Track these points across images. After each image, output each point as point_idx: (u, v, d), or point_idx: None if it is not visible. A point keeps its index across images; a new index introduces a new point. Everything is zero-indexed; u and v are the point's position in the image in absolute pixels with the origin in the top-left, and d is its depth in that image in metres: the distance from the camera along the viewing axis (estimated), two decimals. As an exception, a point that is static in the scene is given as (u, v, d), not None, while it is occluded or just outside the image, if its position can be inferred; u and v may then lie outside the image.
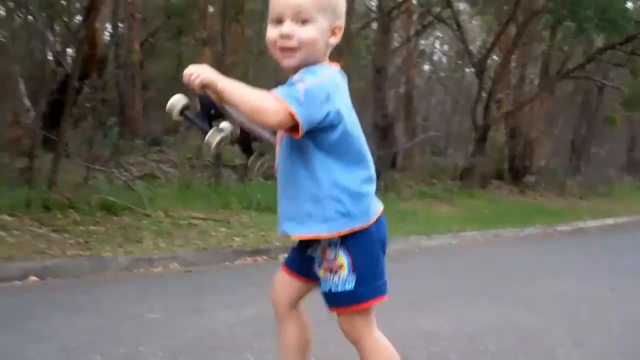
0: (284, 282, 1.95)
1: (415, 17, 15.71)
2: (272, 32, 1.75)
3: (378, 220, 1.78)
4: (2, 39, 12.58)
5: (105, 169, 8.42)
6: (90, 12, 8.19)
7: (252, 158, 1.87)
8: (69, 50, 10.72)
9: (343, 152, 1.73)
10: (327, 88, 1.67)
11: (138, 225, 6.29)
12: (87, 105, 10.11)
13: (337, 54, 2.06)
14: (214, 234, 6.37)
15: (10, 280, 4.47)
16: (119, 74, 13.62)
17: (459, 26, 14.60)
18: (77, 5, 12.71)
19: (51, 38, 10.40)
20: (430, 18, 15.52)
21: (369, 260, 1.72)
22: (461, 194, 12.13)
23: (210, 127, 1.74)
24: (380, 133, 13.21)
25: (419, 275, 5.49)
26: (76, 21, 11.85)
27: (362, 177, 1.77)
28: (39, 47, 10.59)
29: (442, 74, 23.63)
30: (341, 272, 1.70)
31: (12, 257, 4.84)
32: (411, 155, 15.87)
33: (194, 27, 13.89)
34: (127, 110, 13.37)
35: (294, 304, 1.96)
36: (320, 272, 1.77)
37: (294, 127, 1.63)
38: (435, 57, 25.02)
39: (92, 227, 5.96)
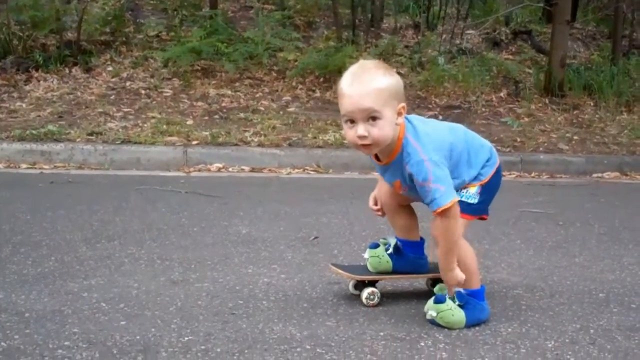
0: (389, 192, 2.27)
1: None
2: (349, 133, 1.99)
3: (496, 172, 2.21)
4: None
5: None
6: None
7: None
8: None
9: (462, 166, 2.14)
10: (438, 160, 1.99)
11: None
12: None
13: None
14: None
15: None
16: None
17: None
18: None
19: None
20: None
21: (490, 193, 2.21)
22: None
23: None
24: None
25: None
26: None
27: (478, 167, 2.17)
28: None
29: None
30: (470, 189, 2.15)
31: None
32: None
33: None
34: None
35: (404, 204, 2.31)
36: None
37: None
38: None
39: None
